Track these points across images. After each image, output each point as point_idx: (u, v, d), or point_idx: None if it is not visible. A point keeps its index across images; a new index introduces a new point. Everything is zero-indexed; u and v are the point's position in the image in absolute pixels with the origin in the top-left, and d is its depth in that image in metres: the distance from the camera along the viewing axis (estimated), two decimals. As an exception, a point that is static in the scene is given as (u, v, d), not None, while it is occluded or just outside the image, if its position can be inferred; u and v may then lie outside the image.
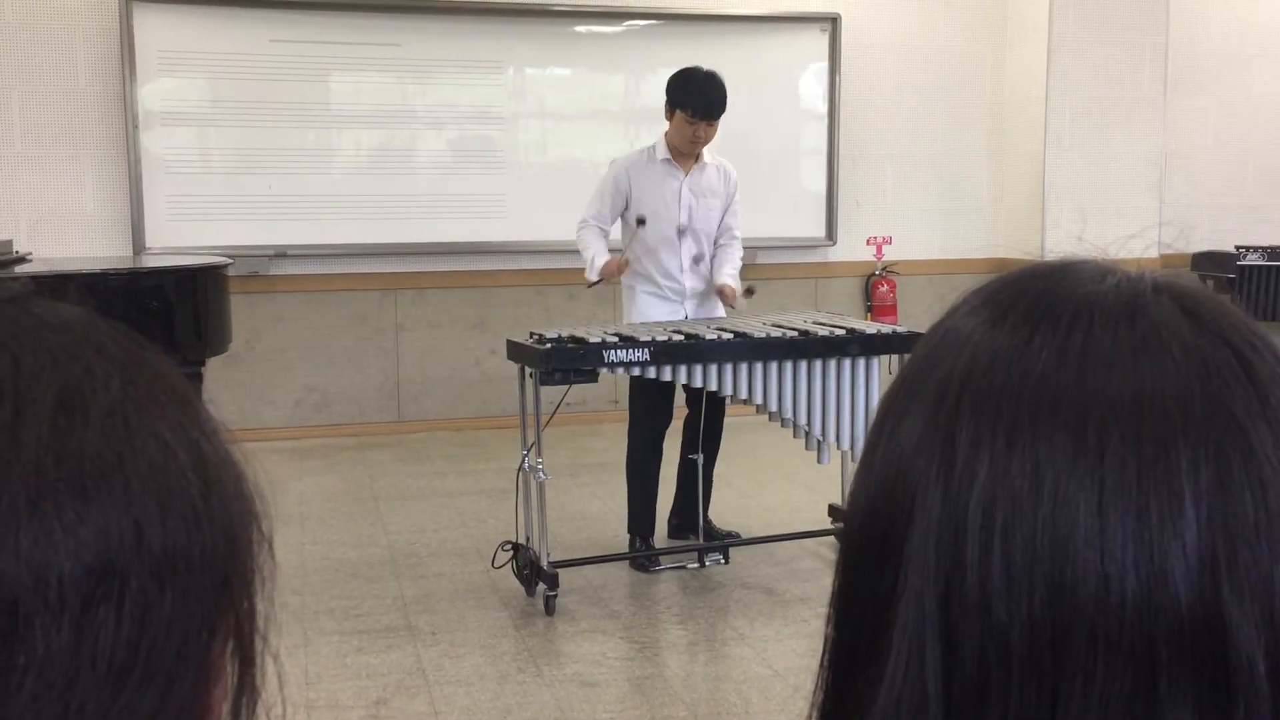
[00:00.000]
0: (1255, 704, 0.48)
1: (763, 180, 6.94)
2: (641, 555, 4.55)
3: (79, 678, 0.42)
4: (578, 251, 4.68)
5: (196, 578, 0.46)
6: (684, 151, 4.56)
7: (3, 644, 0.41)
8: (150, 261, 5.66)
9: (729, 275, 4.68)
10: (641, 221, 4.55)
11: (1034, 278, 0.56)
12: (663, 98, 4.57)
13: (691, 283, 4.68)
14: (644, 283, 4.68)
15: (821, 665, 0.59)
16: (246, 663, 0.50)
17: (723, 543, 4.64)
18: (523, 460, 4.29)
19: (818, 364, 4.32)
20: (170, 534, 0.45)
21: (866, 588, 0.55)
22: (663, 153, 4.58)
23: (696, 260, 4.68)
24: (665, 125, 4.60)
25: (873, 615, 0.54)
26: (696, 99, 4.43)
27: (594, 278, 4.57)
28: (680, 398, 4.60)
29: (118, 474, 0.44)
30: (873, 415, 0.59)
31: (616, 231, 4.74)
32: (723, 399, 4.45)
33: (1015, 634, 0.50)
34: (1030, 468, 0.50)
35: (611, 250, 4.65)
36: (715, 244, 4.73)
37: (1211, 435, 0.50)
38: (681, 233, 4.62)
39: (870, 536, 0.55)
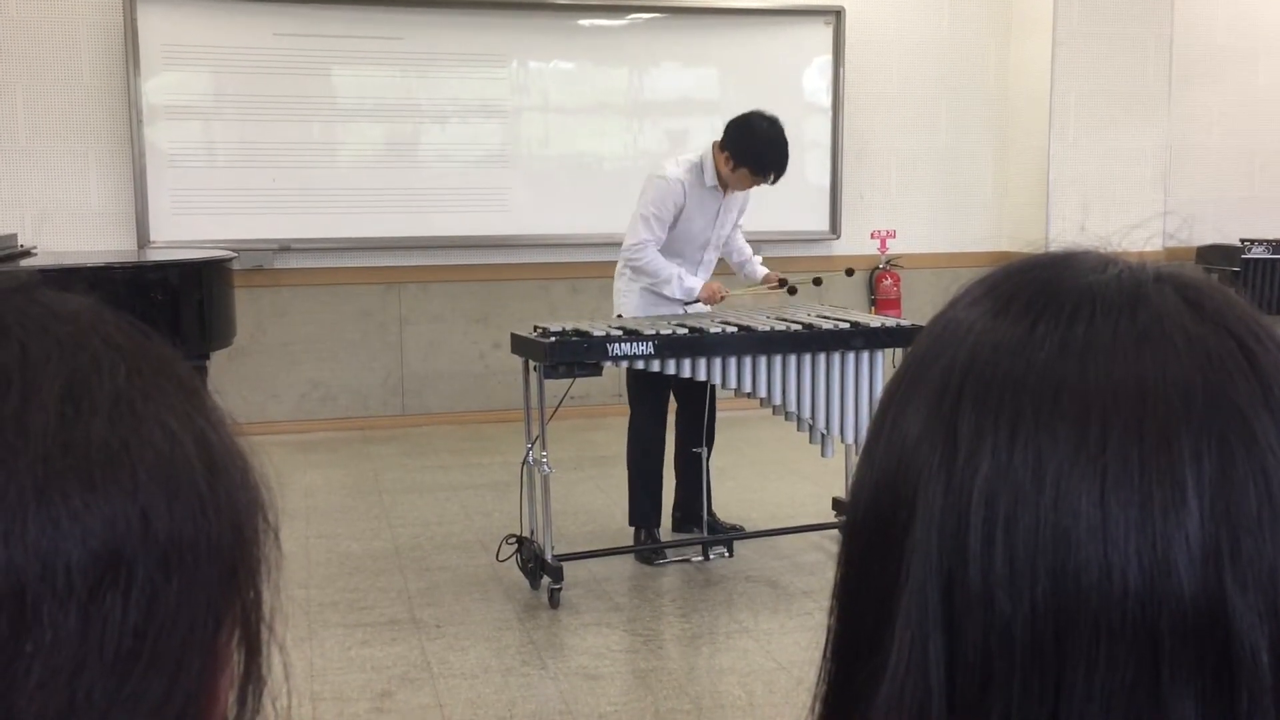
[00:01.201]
0: (1258, 694, 0.48)
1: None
2: (646, 548, 4.55)
3: (86, 665, 0.43)
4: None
5: (203, 566, 0.46)
6: (735, 188, 4.61)
7: (10, 632, 0.42)
8: (154, 255, 5.66)
9: (759, 264, 4.87)
10: (793, 291, 4.77)
11: (1036, 268, 0.56)
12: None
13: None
14: (646, 280, 4.67)
15: (824, 657, 0.59)
16: (252, 651, 0.50)
17: (726, 536, 4.65)
18: (527, 454, 4.29)
19: (821, 357, 4.32)
20: (177, 522, 0.45)
21: (869, 579, 0.55)
22: (712, 179, 4.56)
23: (708, 274, 4.76)
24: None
25: (875, 606, 0.54)
26: (774, 166, 4.44)
27: (686, 298, 4.56)
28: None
29: (124, 462, 0.45)
30: (876, 408, 0.59)
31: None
32: (712, 392, 4.49)
33: (1018, 625, 0.50)
34: (1033, 458, 0.50)
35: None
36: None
37: (1214, 425, 0.50)
38: (707, 249, 4.71)
39: (873, 528, 0.55)
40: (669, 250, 4.62)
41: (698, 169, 4.56)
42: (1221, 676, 0.49)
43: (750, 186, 4.59)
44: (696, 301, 4.60)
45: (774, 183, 4.53)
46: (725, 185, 4.58)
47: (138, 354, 0.48)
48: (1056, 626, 0.49)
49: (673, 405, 4.72)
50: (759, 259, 4.90)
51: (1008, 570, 0.50)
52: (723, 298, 4.60)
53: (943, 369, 0.54)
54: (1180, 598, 0.48)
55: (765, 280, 4.80)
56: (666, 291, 4.56)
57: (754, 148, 4.43)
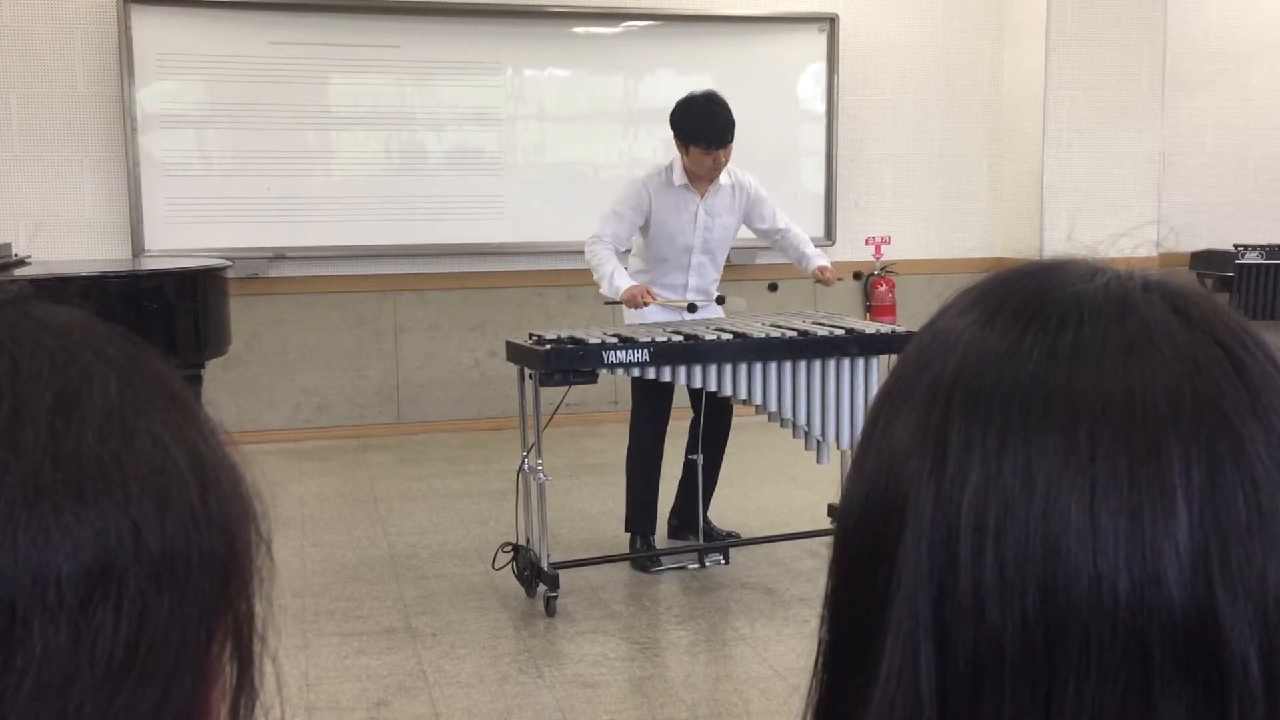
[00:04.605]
0: (1249, 703, 0.48)
1: (762, 180, 6.92)
2: (642, 555, 4.55)
3: (77, 678, 0.43)
4: (580, 255, 4.66)
5: (195, 579, 0.46)
6: (705, 177, 4.57)
7: (1, 645, 0.42)
8: (149, 264, 5.66)
9: (818, 255, 4.81)
10: (693, 308, 4.61)
11: (1024, 277, 0.56)
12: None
13: (693, 298, 4.71)
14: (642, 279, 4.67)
15: (815, 668, 0.59)
16: (245, 664, 0.50)
17: (723, 543, 4.64)
18: (522, 461, 4.29)
19: (817, 364, 4.32)
20: (168, 535, 0.46)
21: (860, 589, 0.55)
22: (680, 178, 4.56)
23: (702, 278, 4.72)
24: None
25: (866, 617, 0.54)
26: (707, 133, 4.41)
27: (613, 296, 4.51)
28: (683, 399, 4.59)
29: (115, 475, 0.45)
30: (866, 419, 0.59)
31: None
32: (726, 402, 4.47)
33: (1008, 635, 0.50)
34: (1022, 468, 0.50)
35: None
36: (774, 243, 4.92)
37: (1203, 434, 0.50)
38: (693, 253, 4.66)
39: (863, 538, 0.55)
40: (653, 254, 4.63)
41: (666, 171, 4.60)
42: (1212, 686, 0.49)
43: (714, 165, 4.49)
44: (619, 302, 4.52)
45: (719, 147, 4.42)
46: (696, 179, 4.56)
47: (130, 367, 0.48)
48: (1047, 636, 0.49)
49: (683, 414, 4.69)
50: (818, 254, 4.84)
51: (998, 580, 0.50)
52: (646, 303, 4.49)
53: (931, 379, 0.54)
54: (1170, 607, 0.48)
55: (815, 274, 4.75)
56: (602, 290, 4.54)
57: (680, 118, 4.47)
